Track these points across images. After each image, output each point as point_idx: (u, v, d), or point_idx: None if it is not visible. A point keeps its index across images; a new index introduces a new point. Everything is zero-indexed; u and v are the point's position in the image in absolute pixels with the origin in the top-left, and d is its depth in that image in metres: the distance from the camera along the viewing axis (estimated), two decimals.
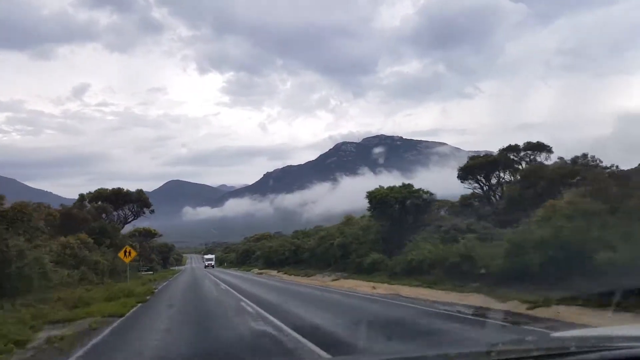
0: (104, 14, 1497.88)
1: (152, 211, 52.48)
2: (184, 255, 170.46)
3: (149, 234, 74.56)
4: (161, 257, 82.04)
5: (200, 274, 57.80)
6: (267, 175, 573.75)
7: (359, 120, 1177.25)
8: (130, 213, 51.97)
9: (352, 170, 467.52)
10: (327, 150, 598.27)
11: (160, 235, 76.47)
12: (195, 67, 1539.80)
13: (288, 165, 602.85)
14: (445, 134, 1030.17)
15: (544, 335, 8.47)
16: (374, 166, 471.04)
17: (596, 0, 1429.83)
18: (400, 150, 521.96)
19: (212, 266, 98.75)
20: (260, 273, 54.99)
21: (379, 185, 34.04)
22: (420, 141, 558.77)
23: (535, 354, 2.56)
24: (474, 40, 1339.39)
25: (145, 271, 51.11)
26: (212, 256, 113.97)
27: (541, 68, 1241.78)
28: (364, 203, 34.01)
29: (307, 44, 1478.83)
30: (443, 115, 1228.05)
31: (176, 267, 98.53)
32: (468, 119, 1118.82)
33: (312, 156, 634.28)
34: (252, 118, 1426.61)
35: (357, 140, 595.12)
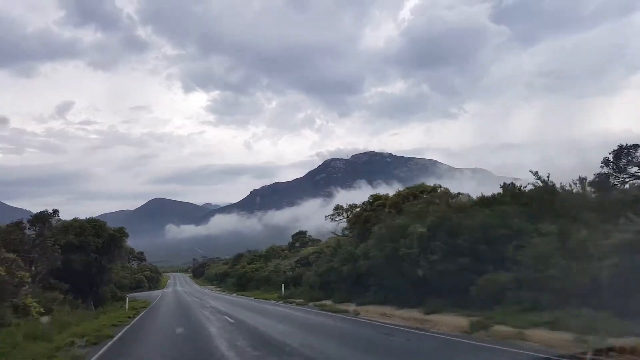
0: (88, 32, 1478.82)
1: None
2: (164, 274, 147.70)
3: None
4: (106, 258, 37.22)
5: None
6: (254, 193, 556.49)
7: (345, 139, 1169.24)
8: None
9: (343, 186, 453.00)
10: (315, 167, 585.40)
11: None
12: (180, 86, 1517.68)
13: (275, 183, 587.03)
14: (430, 152, 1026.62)
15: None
16: (370, 180, 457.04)
17: (575, 25, 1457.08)
18: (391, 167, 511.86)
19: None
20: None
21: None
22: (411, 158, 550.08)
23: None
24: (457, 62, 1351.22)
25: None
26: None
27: (523, 89, 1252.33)
28: None
29: (293, 64, 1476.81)
30: (428, 134, 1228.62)
31: (137, 295, 57.61)
32: (452, 139, 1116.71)
33: (299, 174, 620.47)
34: (237, 137, 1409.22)
35: (346, 156, 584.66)
